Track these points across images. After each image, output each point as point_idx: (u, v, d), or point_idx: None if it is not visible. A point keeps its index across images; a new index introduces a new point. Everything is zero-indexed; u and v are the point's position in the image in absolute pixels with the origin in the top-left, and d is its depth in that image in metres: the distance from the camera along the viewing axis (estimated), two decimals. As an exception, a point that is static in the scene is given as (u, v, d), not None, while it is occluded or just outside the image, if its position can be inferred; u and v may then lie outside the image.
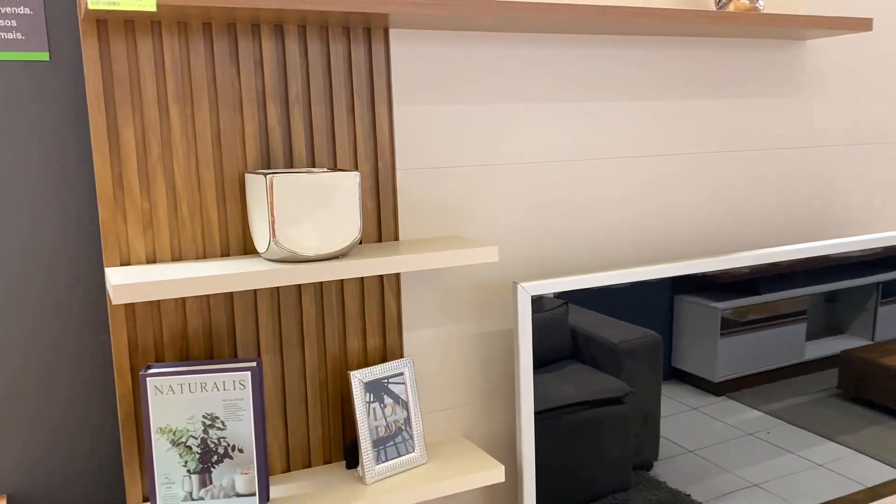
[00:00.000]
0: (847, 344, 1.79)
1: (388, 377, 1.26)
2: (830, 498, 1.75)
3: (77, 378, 1.20)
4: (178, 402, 1.07)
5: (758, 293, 1.66)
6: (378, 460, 1.23)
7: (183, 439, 1.08)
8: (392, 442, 1.25)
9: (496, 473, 1.26)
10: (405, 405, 1.27)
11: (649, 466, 1.55)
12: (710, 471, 1.62)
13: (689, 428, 1.58)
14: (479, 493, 1.44)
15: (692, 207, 1.60)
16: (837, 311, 1.78)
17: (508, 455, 1.47)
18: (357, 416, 1.21)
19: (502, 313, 1.43)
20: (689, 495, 1.56)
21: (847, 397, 1.83)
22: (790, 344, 1.70)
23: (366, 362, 1.29)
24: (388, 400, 1.25)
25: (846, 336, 1.80)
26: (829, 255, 1.61)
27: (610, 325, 1.45)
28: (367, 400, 1.23)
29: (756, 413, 1.71)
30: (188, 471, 1.09)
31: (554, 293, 1.31)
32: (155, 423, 1.07)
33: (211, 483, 1.09)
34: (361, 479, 1.22)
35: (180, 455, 1.08)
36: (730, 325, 1.62)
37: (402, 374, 1.28)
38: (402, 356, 1.32)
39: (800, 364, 1.73)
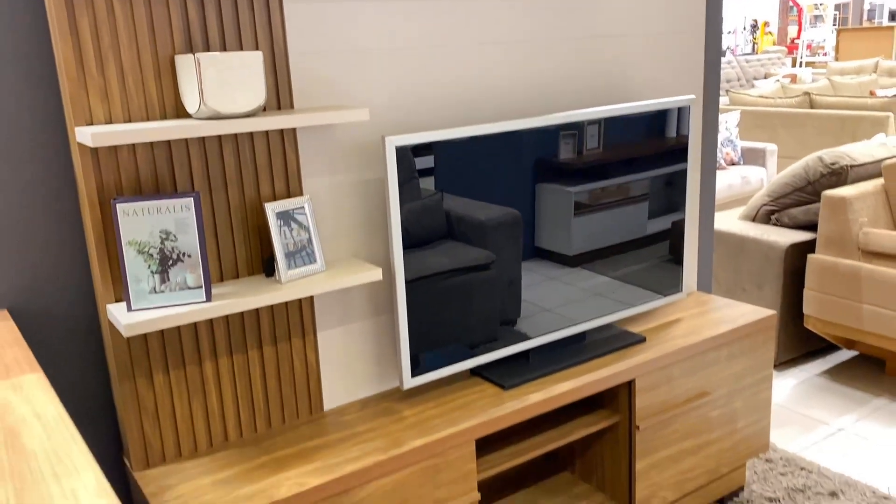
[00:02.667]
0: (678, 217, 2.36)
1: (293, 209, 1.71)
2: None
3: (49, 215, 1.59)
4: (141, 222, 1.49)
5: (606, 178, 2.19)
6: (289, 267, 1.69)
7: (146, 249, 1.50)
8: (299, 255, 1.71)
9: (375, 274, 1.75)
10: (307, 229, 1.73)
11: (514, 322, 2.09)
12: (563, 322, 2.17)
13: (547, 293, 2.10)
14: (365, 291, 1.94)
15: (524, 84, 2.09)
16: (675, 193, 2.32)
17: (385, 264, 1.97)
18: (272, 235, 1.66)
19: (379, 164, 1.89)
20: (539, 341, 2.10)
21: (676, 261, 2.42)
22: (634, 221, 2.24)
23: (275, 201, 1.74)
24: (294, 225, 1.71)
25: (680, 213, 2.37)
26: (632, 114, 2.15)
27: (479, 207, 1.94)
28: (279, 224, 1.68)
29: (604, 278, 2.26)
30: (151, 272, 1.52)
31: (412, 144, 1.77)
32: (124, 238, 1.49)
33: (169, 280, 1.53)
34: (278, 281, 1.68)
35: (144, 261, 1.51)
36: (582, 207, 2.14)
37: (303, 207, 1.73)
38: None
39: (641, 238, 2.28)
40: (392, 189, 1.76)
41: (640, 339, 2.20)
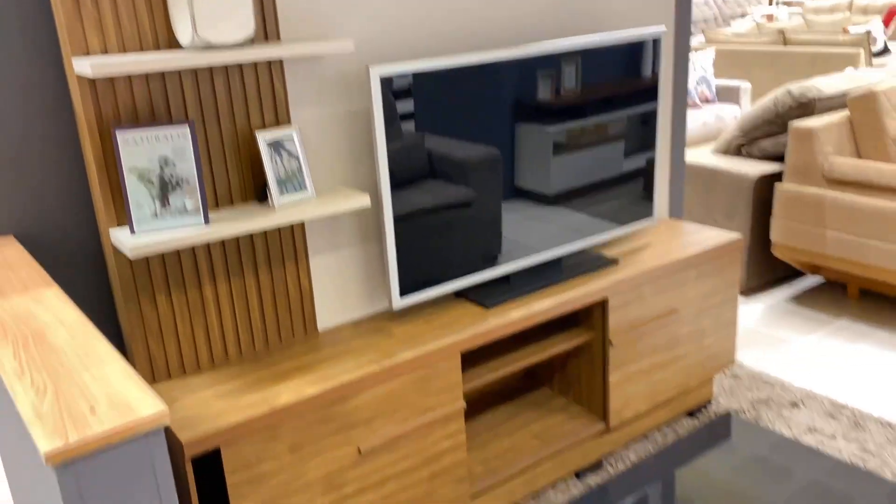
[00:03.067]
0: (653, 155, 2.45)
1: (283, 138, 1.80)
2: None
3: (49, 145, 1.66)
4: (141, 149, 1.57)
5: (584, 117, 2.27)
6: (281, 194, 1.78)
7: (147, 176, 1.59)
8: (290, 182, 1.80)
9: (364, 200, 1.85)
10: (297, 158, 1.82)
11: (494, 259, 2.19)
12: (541, 248, 2.27)
13: (527, 230, 2.21)
14: (354, 219, 2.04)
15: (502, 16, 2.16)
16: (650, 131, 2.42)
17: (372, 193, 2.07)
18: (264, 162, 1.75)
19: (364, 96, 1.97)
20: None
21: (650, 196, 2.53)
22: (611, 159, 2.34)
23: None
24: (284, 153, 1.80)
25: (655, 150, 2.46)
26: (605, 47, 2.23)
27: (459, 147, 2.02)
28: (270, 152, 1.77)
29: (582, 216, 2.37)
30: (152, 197, 1.60)
31: (395, 74, 1.85)
32: (126, 165, 1.57)
33: (169, 205, 1.62)
34: (271, 207, 1.78)
35: (145, 186, 1.59)
36: (560, 147, 2.23)
37: (292, 136, 1.82)
38: (290, 126, 1.85)
39: (618, 176, 2.38)
40: (377, 117, 1.85)
41: (612, 262, 2.33)
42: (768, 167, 3.46)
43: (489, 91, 2.02)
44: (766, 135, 3.58)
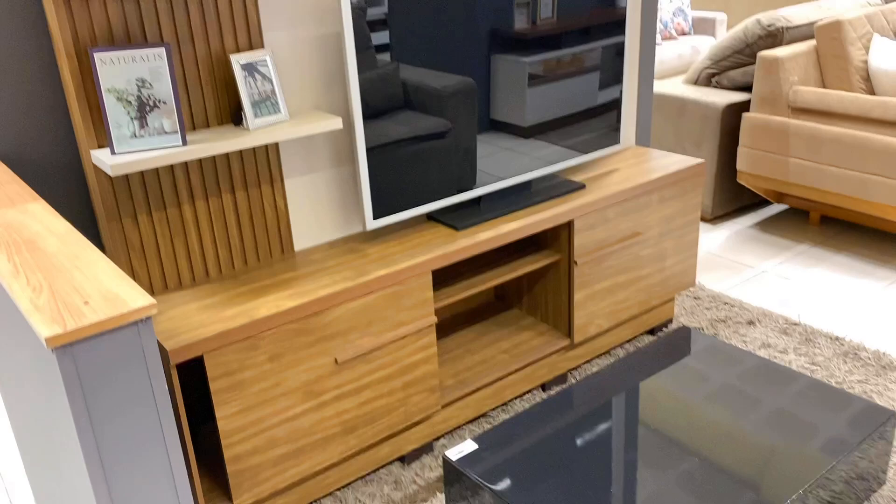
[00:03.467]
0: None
1: (256, 61, 1.84)
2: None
3: (24, 70, 1.70)
4: (118, 70, 1.62)
5: (560, 48, 2.31)
6: (256, 116, 1.84)
7: (125, 96, 1.64)
8: (264, 105, 1.86)
9: (336, 122, 1.91)
10: (271, 81, 1.87)
11: (468, 189, 2.26)
12: (511, 173, 2.35)
13: (502, 162, 2.27)
14: (328, 143, 2.10)
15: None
16: (622, 60, 2.46)
17: (345, 118, 2.13)
18: (238, 85, 1.80)
19: (336, 18, 2.01)
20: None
21: (619, 127, 2.59)
22: (585, 92, 2.39)
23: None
24: (258, 76, 1.85)
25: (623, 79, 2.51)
26: (565, -25, 2.26)
27: (435, 77, 2.06)
28: (244, 75, 1.82)
29: (557, 147, 2.43)
30: (130, 118, 1.66)
31: (366, -2, 1.89)
32: (104, 85, 1.61)
33: (147, 125, 1.67)
34: (246, 129, 1.84)
35: (124, 107, 1.65)
36: (536, 78, 2.27)
37: (265, 59, 1.86)
38: (264, 50, 1.90)
39: (592, 108, 2.44)
40: (348, 40, 1.89)
41: (579, 186, 2.42)
42: (736, 97, 3.54)
43: (464, 19, 2.07)
44: (735, 65, 3.64)
